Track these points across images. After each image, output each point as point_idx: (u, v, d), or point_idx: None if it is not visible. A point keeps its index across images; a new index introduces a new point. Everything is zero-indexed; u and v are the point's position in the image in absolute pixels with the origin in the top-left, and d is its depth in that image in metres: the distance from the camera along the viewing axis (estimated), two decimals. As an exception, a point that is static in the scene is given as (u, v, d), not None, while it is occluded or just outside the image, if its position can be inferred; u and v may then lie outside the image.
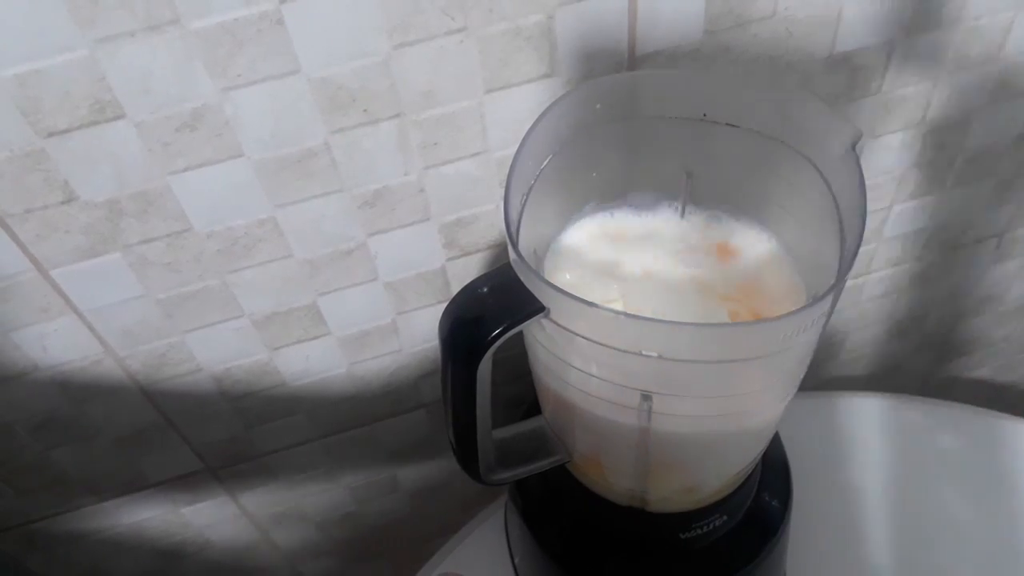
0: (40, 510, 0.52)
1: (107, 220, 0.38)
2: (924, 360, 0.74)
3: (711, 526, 0.42)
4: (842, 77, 0.45)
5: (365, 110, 0.37)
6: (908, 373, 0.75)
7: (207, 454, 0.53)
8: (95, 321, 0.42)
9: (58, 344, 0.42)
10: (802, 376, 0.34)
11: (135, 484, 0.53)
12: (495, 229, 0.45)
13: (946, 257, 0.62)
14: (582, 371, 0.33)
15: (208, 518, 0.58)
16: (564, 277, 0.36)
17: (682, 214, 0.38)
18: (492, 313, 0.31)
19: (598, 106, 0.34)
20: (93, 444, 0.49)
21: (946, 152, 0.52)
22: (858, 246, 0.28)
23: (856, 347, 0.69)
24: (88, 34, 0.31)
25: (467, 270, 0.47)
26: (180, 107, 0.34)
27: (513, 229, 0.31)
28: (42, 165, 0.35)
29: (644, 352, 0.29)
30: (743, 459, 0.40)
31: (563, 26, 0.37)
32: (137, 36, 0.32)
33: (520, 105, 0.39)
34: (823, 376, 0.71)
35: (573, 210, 0.38)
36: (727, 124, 0.30)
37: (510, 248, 0.30)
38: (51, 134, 0.34)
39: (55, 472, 0.49)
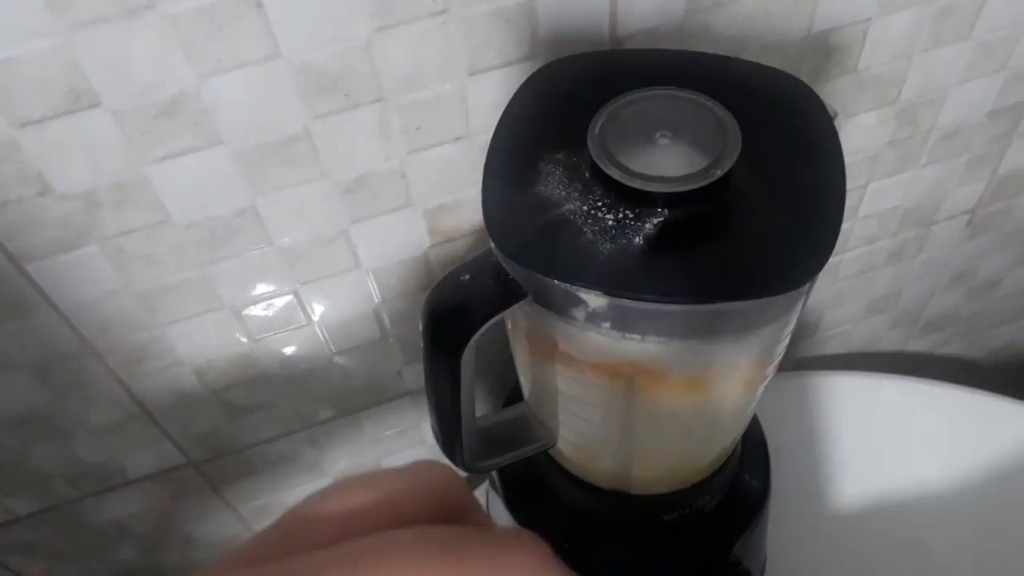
0: (19, 508, 0.51)
1: (83, 212, 0.37)
2: (898, 337, 0.75)
3: (694, 507, 0.42)
4: (819, 56, 0.45)
5: (346, 95, 0.37)
6: (882, 351, 0.76)
7: (189, 448, 0.52)
8: (73, 316, 0.41)
9: (35, 340, 0.41)
10: (782, 354, 0.34)
11: (116, 480, 0.52)
12: (478, 214, 0.45)
13: (920, 234, 0.63)
14: (564, 354, 0.33)
15: (192, 513, 0.58)
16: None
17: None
18: (474, 301, 0.31)
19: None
20: (73, 440, 0.48)
21: (920, 129, 0.53)
22: (838, 227, 0.28)
23: (831, 326, 0.70)
24: (62, 20, 0.30)
25: (450, 256, 0.47)
26: (158, 94, 0.34)
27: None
28: (15, 156, 0.34)
29: (627, 335, 0.29)
30: (724, 440, 0.40)
31: (545, 7, 0.37)
32: (113, 21, 0.31)
33: (502, 88, 0.39)
34: (798, 355, 0.72)
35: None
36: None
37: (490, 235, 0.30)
38: (25, 124, 0.33)
39: (34, 469, 0.49)
